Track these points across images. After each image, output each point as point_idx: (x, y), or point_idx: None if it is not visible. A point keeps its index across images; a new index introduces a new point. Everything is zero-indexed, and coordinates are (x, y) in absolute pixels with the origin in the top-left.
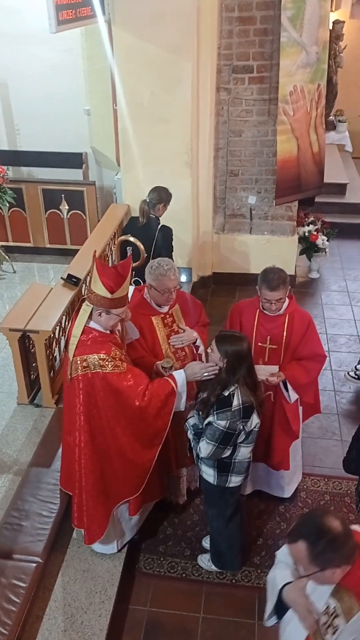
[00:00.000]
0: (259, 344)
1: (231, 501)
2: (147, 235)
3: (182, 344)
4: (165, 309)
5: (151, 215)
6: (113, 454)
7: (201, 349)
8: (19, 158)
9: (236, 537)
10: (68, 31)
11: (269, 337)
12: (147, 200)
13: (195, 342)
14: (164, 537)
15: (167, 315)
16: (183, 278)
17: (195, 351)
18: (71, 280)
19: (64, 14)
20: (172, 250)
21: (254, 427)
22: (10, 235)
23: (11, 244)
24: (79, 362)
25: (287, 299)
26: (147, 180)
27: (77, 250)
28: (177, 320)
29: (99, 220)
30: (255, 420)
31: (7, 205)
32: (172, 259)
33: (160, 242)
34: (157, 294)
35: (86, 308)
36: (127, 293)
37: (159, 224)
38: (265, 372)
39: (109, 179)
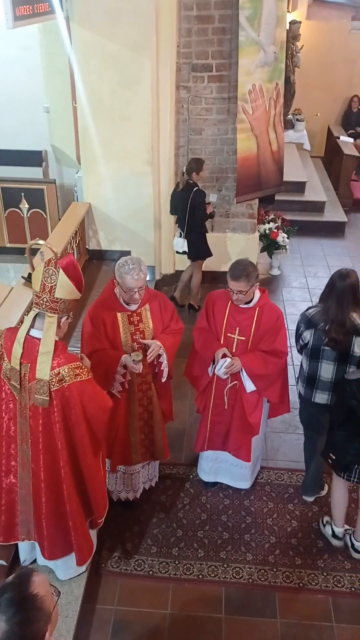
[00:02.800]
0: (228, 334)
1: None
2: (184, 197)
3: (149, 358)
4: (133, 307)
5: (189, 182)
6: (83, 468)
7: (164, 363)
8: None
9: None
10: (25, 27)
11: (237, 328)
12: (184, 170)
13: (159, 356)
14: (130, 535)
15: (134, 314)
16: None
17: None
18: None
19: (21, 9)
20: (206, 214)
21: None
22: None
23: None
24: (54, 378)
25: (258, 292)
26: (108, 178)
27: (37, 249)
28: (145, 320)
29: (59, 219)
30: None
31: None
32: (206, 219)
33: (194, 201)
34: (122, 291)
35: (52, 320)
36: None
37: (194, 188)
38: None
39: (69, 177)
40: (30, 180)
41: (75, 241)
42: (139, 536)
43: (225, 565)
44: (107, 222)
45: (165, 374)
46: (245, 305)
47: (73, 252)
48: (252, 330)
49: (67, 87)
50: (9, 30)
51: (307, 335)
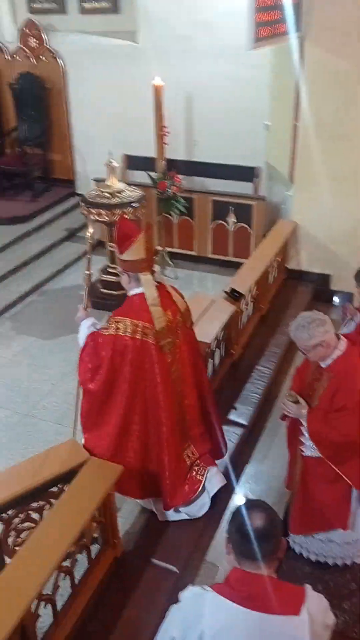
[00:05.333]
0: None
1: None
2: None
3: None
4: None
5: None
6: None
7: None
8: (194, 168)
9: None
10: None
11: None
12: None
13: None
14: None
15: (319, 369)
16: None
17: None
18: (234, 295)
19: (261, 30)
20: None
21: None
22: (176, 242)
23: (176, 250)
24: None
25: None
26: (319, 198)
27: (237, 262)
28: (321, 384)
29: (264, 236)
30: None
31: (178, 213)
32: None
33: None
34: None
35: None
36: None
37: None
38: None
39: (277, 194)
40: (241, 195)
41: (276, 259)
42: None
43: None
44: (310, 243)
45: None
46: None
47: (273, 269)
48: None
49: (290, 105)
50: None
51: None
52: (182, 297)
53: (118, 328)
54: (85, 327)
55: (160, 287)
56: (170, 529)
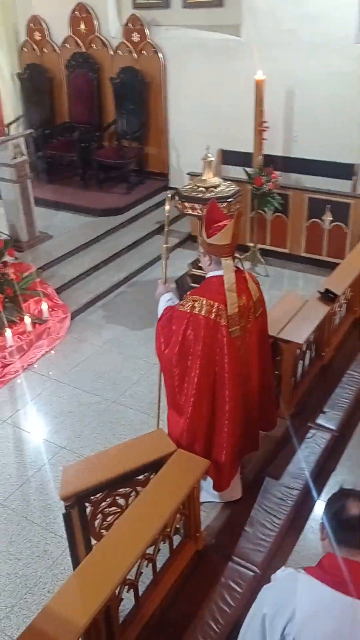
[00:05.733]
0: None
1: None
2: None
3: None
4: None
5: None
6: None
7: None
8: (291, 165)
9: None
10: None
11: None
12: None
13: None
14: None
15: None
16: None
17: None
18: (328, 295)
19: None
20: None
21: None
22: (268, 239)
23: (268, 247)
24: None
25: None
26: None
27: (331, 262)
28: None
29: None
30: None
31: (273, 210)
32: None
33: None
34: None
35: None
36: None
37: None
38: None
39: None
40: (338, 193)
41: None
42: None
43: None
44: None
45: None
46: None
47: None
48: None
49: None
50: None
51: None
52: (258, 285)
53: (194, 306)
54: (164, 301)
55: (238, 272)
56: (252, 528)
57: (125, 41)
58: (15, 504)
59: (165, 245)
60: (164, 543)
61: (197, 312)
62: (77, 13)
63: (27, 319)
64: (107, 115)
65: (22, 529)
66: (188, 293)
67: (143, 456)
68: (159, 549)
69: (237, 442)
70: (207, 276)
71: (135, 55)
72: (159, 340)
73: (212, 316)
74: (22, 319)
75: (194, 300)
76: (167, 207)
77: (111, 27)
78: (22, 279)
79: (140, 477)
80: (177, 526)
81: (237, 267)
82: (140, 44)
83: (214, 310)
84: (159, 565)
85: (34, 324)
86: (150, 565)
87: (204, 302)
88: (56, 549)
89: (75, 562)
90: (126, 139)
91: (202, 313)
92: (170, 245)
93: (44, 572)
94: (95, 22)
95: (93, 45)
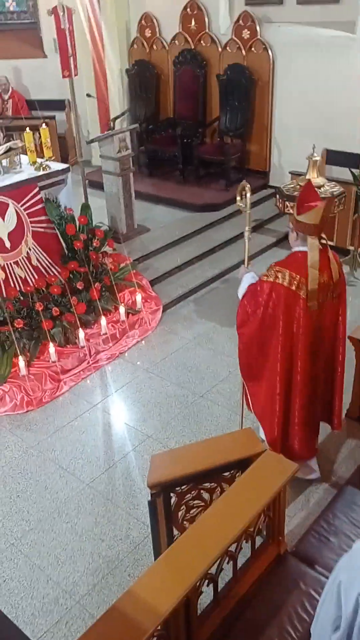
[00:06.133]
0: None
1: None
2: None
3: None
4: None
5: None
6: None
7: None
8: None
9: None
10: None
11: None
12: None
13: None
14: None
15: None
16: None
17: None
18: None
19: None
20: None
21: None
22: None
23: None
24: None
25: None
26: None
27: None
28: None
29: None
30: None
31: None
32: None
33: None
34: None
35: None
36: None
37: None
38: None
39: None
40: None
41: None
42: None
43: None
44: None
45: None
46: None
47: None
48: None
49: None
50: None
51: None
52: (341, 266)
53: (277, 277)
54: (247, 280)
55: (323, 250)
56: (337, 539)
57: (234, 38)
58: (102, 487)
59: (246, 228)
60: (246, 542)
61: (279, 282)
62: (188, 10)
63: (122, 309)
64: (210, 112)
65: (106, 511)
66: (273, 264)
67: (230, 453)
68: (241, 548)
69: (307, 420)
70: (292, 250)
71: (244, 52)
72: (243, 313)
73: (293, 287)
74: (116, 308)
75: (277, 271)
76: (248, 194)
77: (222, 24)
78: (119, 270)
79: (227, 473)
80: (260, 527)
81: (322, 244)
82: (250, 40)
83: (295, 281)
84: (239, 564)
85: (127, 313)
86: (231, 562)
87: (287, 273)
88: (138, 534)
89: (157, 549)
90: (229, 136)
91: (285, 283)
92: (249, 228)
93: (125, 556)
94: (206, 19)
95: (202, 42)
